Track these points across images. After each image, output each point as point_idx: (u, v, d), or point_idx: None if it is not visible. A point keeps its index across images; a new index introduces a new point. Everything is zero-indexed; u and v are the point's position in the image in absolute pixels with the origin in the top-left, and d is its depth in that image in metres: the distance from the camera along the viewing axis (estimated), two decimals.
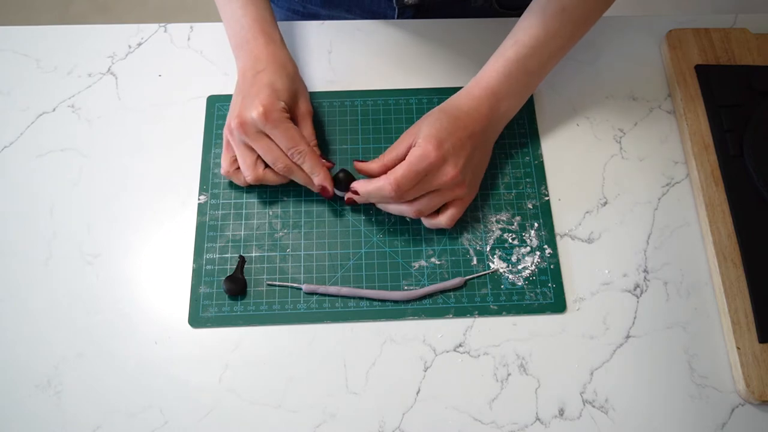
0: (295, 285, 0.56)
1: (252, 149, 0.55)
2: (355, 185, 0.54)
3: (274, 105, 0.53)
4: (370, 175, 0.55)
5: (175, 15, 1.77)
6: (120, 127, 0.63)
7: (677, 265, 0.57)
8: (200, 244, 0.58)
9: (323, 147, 0.62)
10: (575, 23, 0.56)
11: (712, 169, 0.59)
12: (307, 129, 0.57)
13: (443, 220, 0.55)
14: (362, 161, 0.56)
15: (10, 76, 0.66)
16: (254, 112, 0.52)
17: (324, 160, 0.56)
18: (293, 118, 0.56)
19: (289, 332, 0.55)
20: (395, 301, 0.55)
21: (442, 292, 0.56)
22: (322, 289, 0.55)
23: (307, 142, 0.54)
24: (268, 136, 0.54)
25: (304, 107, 0.58)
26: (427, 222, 0.56)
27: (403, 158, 0.53)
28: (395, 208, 0.55)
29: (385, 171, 0.53)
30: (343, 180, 0.56)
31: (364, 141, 0.62)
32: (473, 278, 0.56)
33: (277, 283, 0.56)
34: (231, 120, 0.55)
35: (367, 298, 0.55)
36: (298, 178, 0.56)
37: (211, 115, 0.64)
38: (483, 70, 0.57)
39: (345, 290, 0.55)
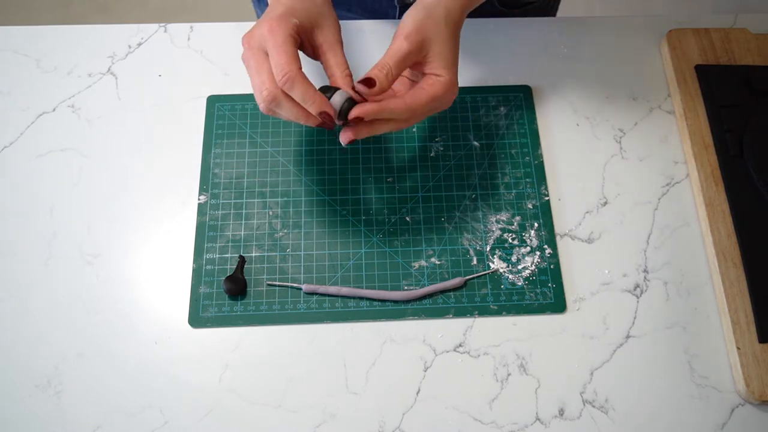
0: (295, 285, 0.56)
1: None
2: (365, 108, 0.48)
3: (283, 20, 0.48)
4: (378, 92, 0.49)
5: (175, 15, 1.77)
6: (120, 127, 0.63)
7: (677, 265, 0.57)
8: (200, 244, 0.58)
9: (321, 149, 0.62)
10: None
11: (712, 169, 0.59)
12: (337, 56, 0.51)
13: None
14: (363, 88, 0.49)
15: (10, 76, 0.66)
16: (263, 27, 0.47)
17: (354, 92, 0.49)
18: (318, 47, 0.51)
19: (289, 332, 0.55)
20: (395, 301, 0.55)
21: (442, 292, 0.56)
22: (322, 289, 0.55)
23: (299, 66, 0.47)
24: (266, 56, 0.48)
25: (331, 35, 0.51)
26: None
27: (410, 62, 0.50)
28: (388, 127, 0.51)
29: (390, 85, 0.49)
30: (347, 111, 0.49)
31: (364, 141, 0.62)
32: (473, 278, 0.56)
33: (277, 283, 0.56)
34: (243, 38, 0.49)
35: (367, 298, 0.55)
36: (284, 111, 0.48)
37: (211, 115, 0.64)
38: None
39: (345, 290, 0.55)
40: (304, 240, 0.58)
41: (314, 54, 0.52)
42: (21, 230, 0.58)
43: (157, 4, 1.81)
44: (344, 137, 0.50)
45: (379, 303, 0.56)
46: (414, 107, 0.49)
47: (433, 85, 0.50)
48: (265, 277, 0.56)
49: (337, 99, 0.48)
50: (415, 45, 0.49)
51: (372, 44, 0.67)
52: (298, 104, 0.48)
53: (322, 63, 0.52)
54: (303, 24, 0.50)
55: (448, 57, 0.51)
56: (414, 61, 0.50)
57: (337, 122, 0.49)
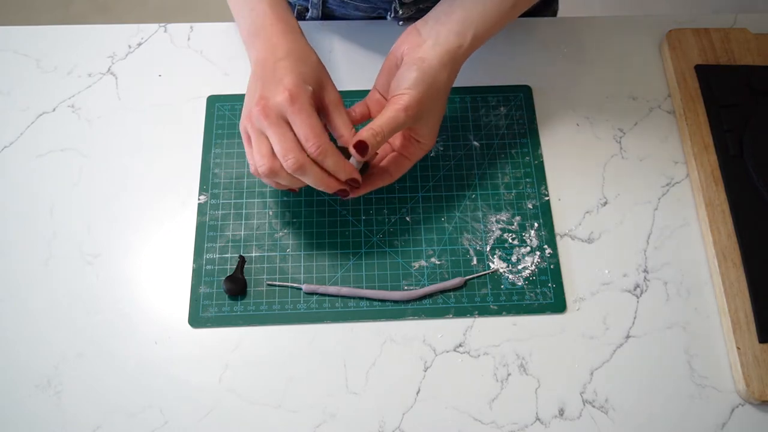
0: (295, 285, 0.56)
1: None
2: (359, 192, 0.52)
3: (301, 88, 0.48)
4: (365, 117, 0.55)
5: (175, 15, 1.77)
6: (120, 127, 0.63)
7: (677, 265, 0.57)
8: (200, 244, 0.58)
9: None
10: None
11: (712, 169, 0.59)
12: (343, 116, 0.52)
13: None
14: (356, 154, 0.50)
15: (10, 76, 0.66)
16: (279, 96, 0.48)
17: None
18: (322, 108, 0.52)
19: (289, 332, 0.55)
20: (395, 301, 0.55)
21: (442, 292, 0.56)
22: (322, 289, 0.55)
23: (328, 137, 0.49)
24: (288, 124, 0.48)
25: (333, 95, 0.52)
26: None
27: (402, 129, 0.52)
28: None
29: (380, 146, 0.51)
30: (362, 171, 0.52)
31: None
32: (473, 278, 0.56)
33: (277, 283, 0.56)
34: (252, 106, 0.49)
35: (367, 298, 0.55)
36: (310, 178, 0.49)
37: (211, 115, 0.63)
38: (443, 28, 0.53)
39: (345, 290, 0.55)
40: (304, 240, 0.58)
41: (319, 113, 0.52)
42: (21, 230, 0.58)
43: (157, 4, 1.81)
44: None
45: (379, 303, 0.56)
46: (398, 176, 0.55)
47: (415, 153, 0.54)
48: (265, 277, 0.56)
49: (353, 164, 0.51)
50: (412, 118, 0.51)
51: (370, 45, 0.67)
52: (324, 172, 0.49)
53: (327, 122, 0.52)
54: (315, 90, 0.51)
55: (436, 126, 0.54)
56: (405, 128, 0.53)
57: None
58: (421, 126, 0.53)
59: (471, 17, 0.53)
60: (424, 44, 0.52)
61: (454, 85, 0.65)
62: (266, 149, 0.49)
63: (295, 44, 0.52)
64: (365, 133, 0.49)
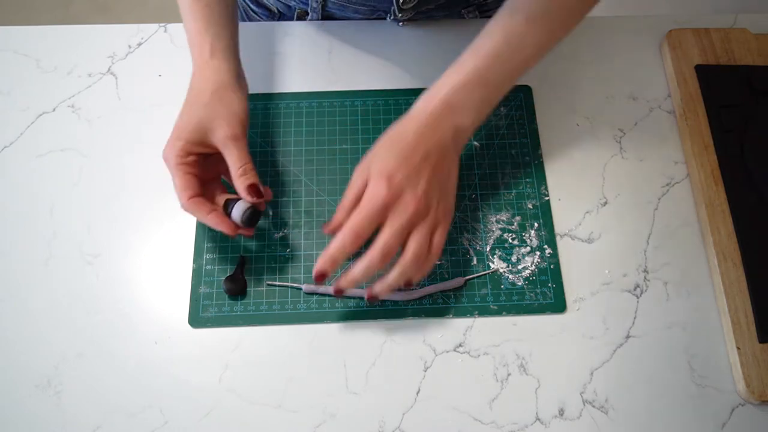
0: (295, 285, 0.56)
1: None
2: (321, 267, 0.49)
3: (172, 146, 0.52)
4: (338, 229, 0.50)
5: (175, 15, 1.76)
6: (120, 127, 0.63)
7: (677, 265, 0.57)
8: (200, 244, 0.58)
9: (321, 149, 0.62)
10: (542, 33, 0.51)
11: (712, 169, 0.59)
12: (231, 155, 0.51)
13: (435, 251, 0.51)
14: (326, 223, 0.52)
15: (10, 76, 0.66)
16: (165, 149, 0.52)
17: (253, 191, 0.52)
18: (216, 148, 0.52)
19: (289, 332, 0.55)
20: (395, 302, 0.55)
21: (442, 291, 0.56)
22: (322, 289, 0.55)
23: (189, 195, 0.51)
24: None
25: (221, 134, 0.51)
26: (426, 267, 0.51)
27: (361, 196, 0.50)
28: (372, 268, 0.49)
29: (348, 215, 0.50)
30: (249, 219, 0.53)
31: (363, 141, 0.62)
32: (473, 278, 0.56)
33: (277, 283, 0.56)
34: None
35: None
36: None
37: None
38: (440, 81, 0.52)
39: (348, 291, 0.55)
40: (304, 240, 0.58)
41: (212, 154, 0.54)
42: (21, 230, 0.58)
43: (157, 4, 1.81)
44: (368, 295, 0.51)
45: (379, 303, 0.55)
46: (354, 227, 0.49)
47: (363, 197, 0.50)
48: (265, 277, 0.56)
49: (237, 212, 0.52)
50: (360, 169, 0.51)
51: (370, 45, 0.67)
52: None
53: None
54: (190, 139, 0.51)
55: (380, 167, 0.50)
56: (363, 185, 0.51)
57: (244, 229, 0.54)
58: (371, 170, 0.50)
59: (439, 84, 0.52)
60: None
61: None
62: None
63: (194, 85, 0.53)
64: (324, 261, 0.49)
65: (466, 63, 0.51)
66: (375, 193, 0.48)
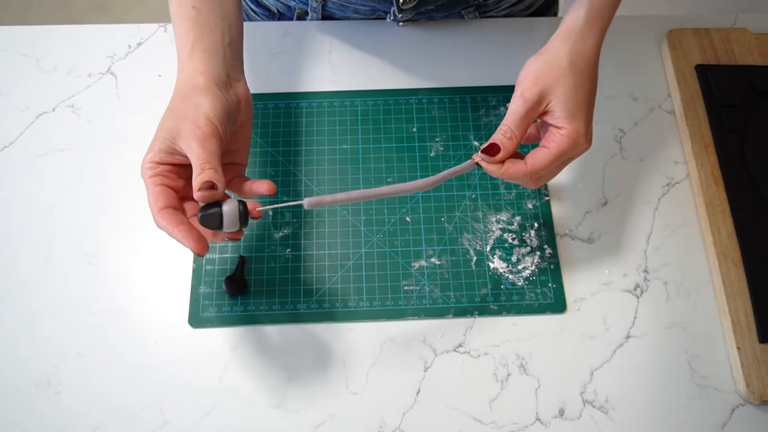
0: (295, 202, 0.48)
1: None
2: (491, 169, 0.48)
3: (142, 163, 0.48)
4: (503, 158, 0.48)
5: None
6: (120, 127, 0.63)
7: (677, 265, 0.57)
8: None
9: (321, 149, 0.62)
10: None
11: (712, 169, 0.59)
12: (192, 156, 0.46)
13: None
14: (486, 157, 0.48)
15: (10, 76, 0.66)
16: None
17: (204, 189, 0.45)
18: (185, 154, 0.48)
19: (289, 332, 0.55)
20: (395, 300, 0.55)
21: (454, 175, 0.49)
22: (328, 198, 0.47)
23: (159, 207, 0.46)
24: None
25: (185, 136, 0.47)
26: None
27: (531, 118, 0.48)
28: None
29: (516, 146, 0.48)
30: (245, 215, 0.46)
31: (364, 141, 0.62)
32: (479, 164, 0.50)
33: (272, 206, 0.48)
34: None
35: (382, 196, 0.48)
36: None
37: None
38: (590, 11, 0.50)
39: (355, 194, 0.47)
40: (304, 240, 0.58)
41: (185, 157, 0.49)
42: (21, 230, 0.58)
43: (157, 4, 1.81)
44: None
45: (379, 303, 0.55)
46: (536, 170, 0.48)
47: (553, 140, 0.48)
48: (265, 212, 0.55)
49: (228, 209, 0.45)
50: (533, 100, 0.48)
51: (370, 45, 0.67)
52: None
53: None
54: (160, 149, 0.48)
55: (571, 105, 0.48)
56: (536, 115, 0.49)
57: (231, 233, 0.47)
58: (552, 106, 0.48)
59: (579, 0, 0.50)
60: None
61: (454, 84, 0.65)
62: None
63: (175, 90, 0.51)
64: (497, 135, 0.48)
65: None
66: (576, 143, 0.48)
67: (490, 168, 0.49)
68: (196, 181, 0.45)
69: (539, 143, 0.49)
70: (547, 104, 0.48)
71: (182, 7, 0.53)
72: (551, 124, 0.49)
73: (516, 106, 0.48)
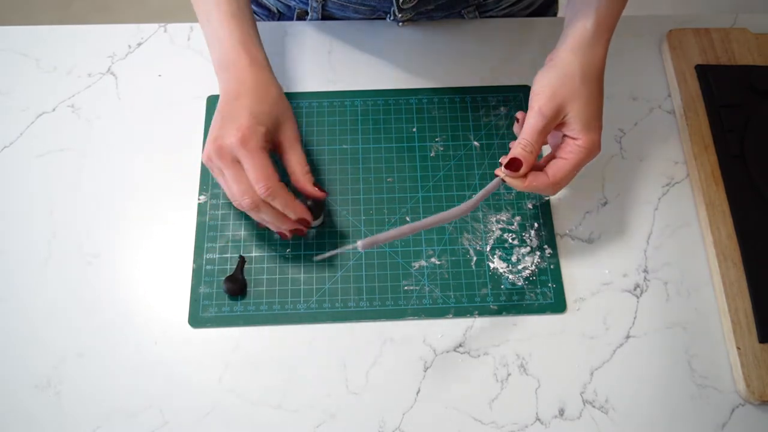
0: (349, 248, 0.53)
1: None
2: (515, 183, 0.51)
3: (253, 130, 0.49)
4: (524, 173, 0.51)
5: (175, 15, 1.77)
6: (120, 127, 0.63)
7: (677, 265, 0.57)
8: (200, 244, 0.58)
9: (321, 149, 0.62)
10: None
11: (712, 169, 0.59)
12: (295, 155, 0.53)
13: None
14: (510, 172, 0.50)
15: (10, 76, 0.66)
16: (232, 137, 0.49)
17: (317, 189, 0.53)
18: (279, 145, 0.53)
19: (289, 332, 0.55)
20: (396, 300, 0.55)
21: (487, 195, 0.52)
22: (382, 237, 0.48)
23: (278, 178, 0.50)
24: (241, 165, 0.50)
25: (290, 132, 0.53)
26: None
27: (548, 132, 0.50)
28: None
29: (535, 159, 0.50)
30: (313, 208, 0.53)
31: (364, 141, 0.62)
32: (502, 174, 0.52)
33: (328, 253, 0.53)
34: (209, 145, 0.51)
35: (428, 227, 0.50)
36: (266, 218, 0.52)
37: (211, 115, 0.63)
38: (594, 46, 0.51)
39: (405, 228, 0.49)
40: (304, 240, 0.58)
41: (274, 150, 0.53)
42: (21, 230, 0.58)
43: (157, 4, 1.81)
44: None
45: (379, 303, 0.55)
46: (558, 180, 0.51)
47: (571, 152, 0.51)
48: (314, 252, 0.56)
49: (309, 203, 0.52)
50: (550, 115, 0.50)
51: (370, 45, 0.67)
52: (278, 211, 0.51)
53: (281, 160, 0.53)
54: (270, 128, 0.51)
55: (586, 118, 0.50)
56: (552, 128, 0.51)
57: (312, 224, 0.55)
58: (569, 118, 0.50)
59: (584, 10, 0.52)
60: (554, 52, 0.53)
61: (454, 84, 0.65)
62: (236, 191, 0.51)
63: (257, 81, 0.53)
64: (516, 149, 0.50)
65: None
66: (592, 152, 0.51)
67: (515, 183, 0.51)
68: (308, 179, 0.52)
69: (556, 154, 0.52)
70: (564, 117, 0.50)
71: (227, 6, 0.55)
72: (568, 136, 0.51)
73: (535, 121, 0.50)
